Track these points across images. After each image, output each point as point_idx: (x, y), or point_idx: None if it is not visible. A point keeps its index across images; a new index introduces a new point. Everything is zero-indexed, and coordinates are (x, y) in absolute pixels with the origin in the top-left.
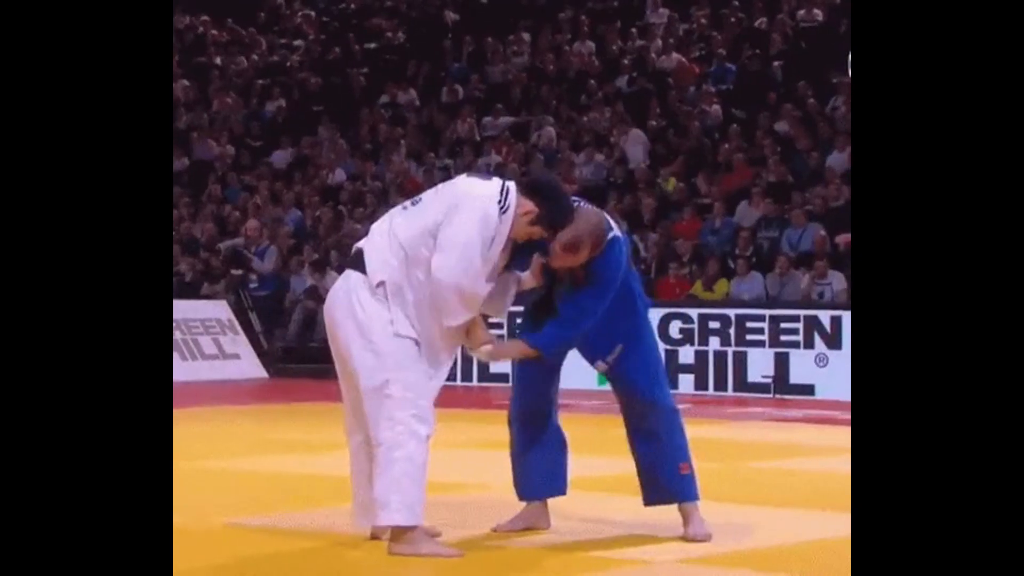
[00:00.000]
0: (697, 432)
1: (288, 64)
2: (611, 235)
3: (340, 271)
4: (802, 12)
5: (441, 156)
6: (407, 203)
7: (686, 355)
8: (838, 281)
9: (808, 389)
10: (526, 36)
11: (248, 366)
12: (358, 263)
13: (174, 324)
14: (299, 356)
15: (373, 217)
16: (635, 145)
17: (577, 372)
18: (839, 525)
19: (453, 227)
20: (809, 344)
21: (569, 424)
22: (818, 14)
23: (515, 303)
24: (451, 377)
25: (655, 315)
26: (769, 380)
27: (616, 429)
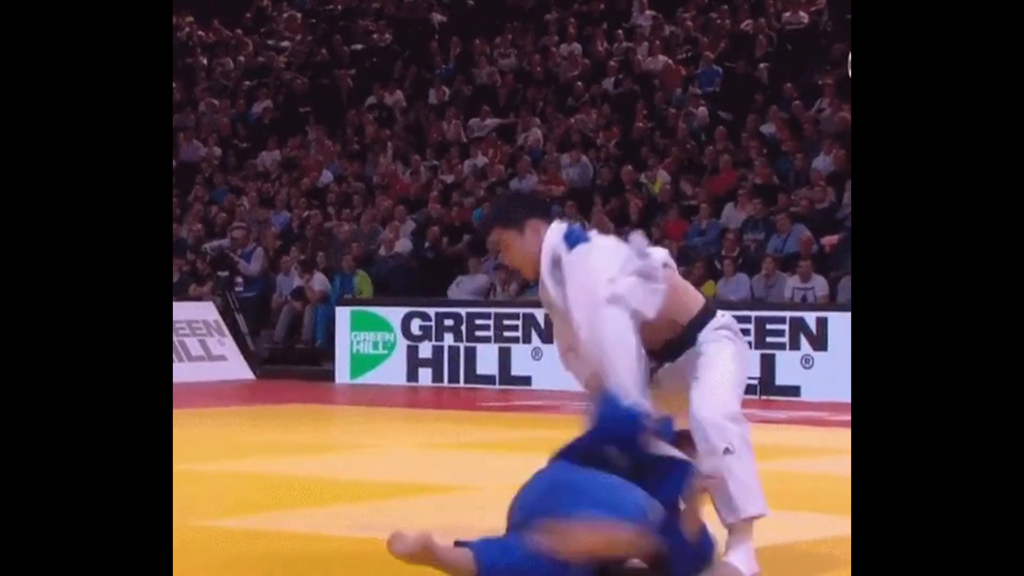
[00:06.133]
0: None
1: (275, 65)
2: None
3: (327, 273)
4: (787, 15)
5: (428, 157)
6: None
7: None
8: (820, 286)
9: (794, 391)
10: (512, 38)
11: (234, 367)
12: None
13: None
14: (285, 357)
15: (360, 218)
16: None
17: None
18: (829, 526)
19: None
20: (795, 346)
21: (560, 425)
22: (803, 17)
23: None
24: (438, 378)
25: None
26: (755, 382)
27: None
